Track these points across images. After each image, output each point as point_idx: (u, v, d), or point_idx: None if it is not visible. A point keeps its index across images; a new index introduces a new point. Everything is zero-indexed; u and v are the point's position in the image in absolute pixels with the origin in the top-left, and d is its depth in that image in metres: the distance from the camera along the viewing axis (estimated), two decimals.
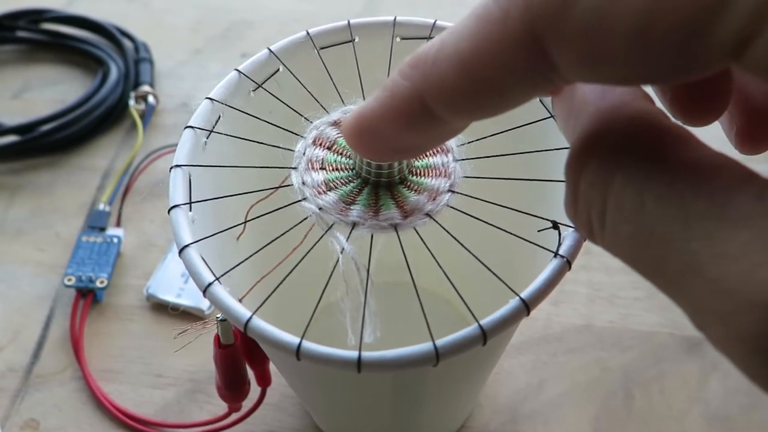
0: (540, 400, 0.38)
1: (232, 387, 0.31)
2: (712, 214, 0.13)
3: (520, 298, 0.20)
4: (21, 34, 0.56)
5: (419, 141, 0.18)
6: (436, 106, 0.16)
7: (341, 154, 0.24)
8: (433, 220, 0.23)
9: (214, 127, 0.28)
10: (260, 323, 0.21)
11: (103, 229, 0.44)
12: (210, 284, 0.22)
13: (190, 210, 0.25)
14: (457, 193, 0.23)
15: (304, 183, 0.24)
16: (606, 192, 0.15)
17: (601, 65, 0.14)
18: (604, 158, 0.15)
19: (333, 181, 0.24)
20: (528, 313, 0.20)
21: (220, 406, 0.35)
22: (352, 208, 0.23)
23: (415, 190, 0.23)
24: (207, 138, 0.27)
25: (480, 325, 0.20)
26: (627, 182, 0.14)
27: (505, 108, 0.16)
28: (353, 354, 0.20)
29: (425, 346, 0.20)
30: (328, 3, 0.59)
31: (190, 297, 0.41)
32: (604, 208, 0.15)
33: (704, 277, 0.13)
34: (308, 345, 0.20)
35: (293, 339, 0.20)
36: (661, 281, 0.14)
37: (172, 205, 0.25)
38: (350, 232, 0.22)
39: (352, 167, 0.24)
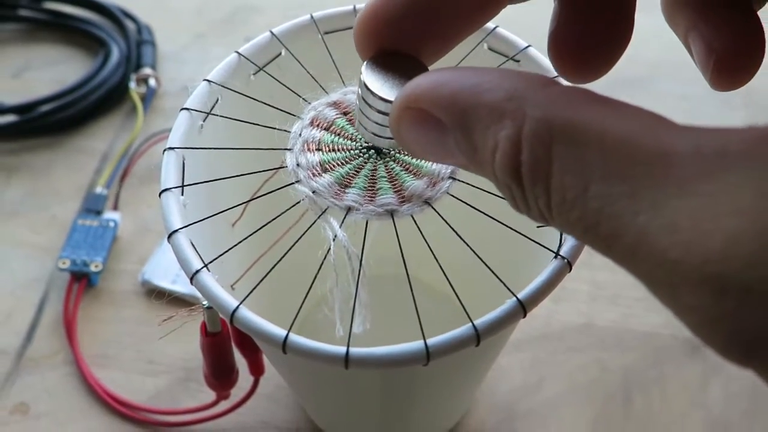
0: (538, 399, 0.37)
1: (219, 375, 0.31)
2: (657, 184, 0.13)
3: (517, 299, 0.19)
4: (22, 12, 0.55)
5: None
6: None
7: (339, 134, 0.24)
8: (432, 207, 0.22)
9: (211, 110, 0.27)
10: (247, 314, 0.20)
11: (99, 213, 0.43)
12: (197, 271, 0.22)
13: (182, 194, 0.24)
14: (459, 180, 0.22)
15: (298, 164, 0.23)
16: (547, 184, 0.14)
17: None
18: (535, 151, 0.14)
19: (329, 162, 0.23)
20: (524, 315, 0.19)
21: (213, 396, 0.35)
22: (347, 191, 0.22)
23: (414, 174, 0.22)
24: (203, 121, 0.27)
25: (474, 325, 0.19)
26: (565, 171, 0.14)
27: None
28: (341, 349, 0.19)
29: (416, 344, 0.19)
30: None
31: (185, 284, 0.40)
32: (548, 200, 0.14)
33: (654, 249, 0.12)
34: (295, 338, 0.20)
35: (280, 331, 0.20)
36: (615, 256, 0.14)
37: (163, 188, 0.24)
38: (344, 218, 0.22)
39: (349, 147, 0.23)
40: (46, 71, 0.53)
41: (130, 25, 0.54)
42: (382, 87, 0.19)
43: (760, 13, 0.20)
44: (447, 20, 0.19)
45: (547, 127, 0.14)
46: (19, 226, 0.44)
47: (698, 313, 0.12)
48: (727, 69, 0.19)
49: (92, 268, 0.40)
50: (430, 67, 0.20)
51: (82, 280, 0.41)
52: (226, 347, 0.30)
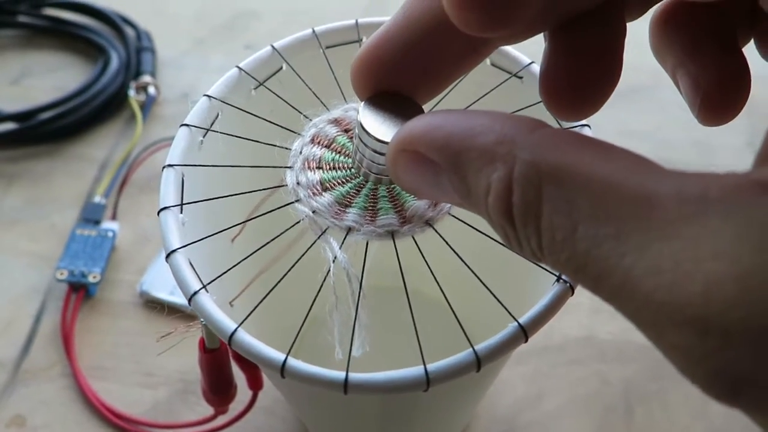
0: (539, 411, 0.37)
1: (217, 391, 0.30)
2: (641, 227, 0.13)
3: (518, 323, 0.19)
4: (22, 18, 0.55)
5: (445, 52, 0.18)
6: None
7: (340, 152, 0.23)
8: (433, 229, 0.22)
9: (211, 126, 0.27)
10: (245, 337, 0.20)
11: (98, 222, 0.43)
12: (195, 293, 0.21)
13: (181, 212, 0.24)
14: None
15: (298, 183, 0.23)
16: (537, 225, 0.15)
17: None
18: (526, 193, 0.15)
19: (329, 181, 0.23)
20: (526, 340, 0.19)
21: (211, 409, 0.34)
22: (348, 211, 0.22)
23: None
24: (203, 137, 0.26)
25: (474, 351, 0.19)
26: (554, 213, 0.14)
27: None
28: (340, 375, 0.19)
29: (416, 370, 0.19)
30: None
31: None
32: (540, 241, 0.15)
33: (639, 290, 0.13)
34: (294, 363, 0.19)
35: (278, 356, 0.20)
36: (603, 296, 0.14)
37: (161, 206, 0.24)
38: (344, 239, 0.22)
39: (350, 166, 0.23)
40: (45, 78, 0.53)
41: (130, 32, 0.53)
42: (379, 127, 0.19)
43: (744, 49, 0.20)
44: (440, 63, 0.19)
45: (536, 170, 0.15)
46: (18, 234, 0.44)
47: (682, 353, 0.13)
48: (714, 106, 0.19)
49: (90, 279, 0.40)
50: (426, 106, 0.20)
51: (80, 290, 0.40)
52: (225, 363, 0.30)
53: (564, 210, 0.14)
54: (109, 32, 0.54)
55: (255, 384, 0.33)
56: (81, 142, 0.49)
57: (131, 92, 0.49)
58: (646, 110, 0.50)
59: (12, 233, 0.44)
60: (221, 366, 0.30)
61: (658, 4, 0.20)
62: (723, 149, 0.48)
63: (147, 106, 0.49)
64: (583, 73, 0.19)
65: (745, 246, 0.12)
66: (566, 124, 0.25)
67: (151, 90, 0.50)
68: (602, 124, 0.49)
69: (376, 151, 0.20)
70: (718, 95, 0.19)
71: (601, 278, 0.14)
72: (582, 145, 0.15)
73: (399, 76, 0.19)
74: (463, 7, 0.16)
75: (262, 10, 0.57)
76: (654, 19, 0.20)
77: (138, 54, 0.52)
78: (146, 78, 0.50)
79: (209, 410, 0.35)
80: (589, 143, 0.15)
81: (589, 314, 0.40)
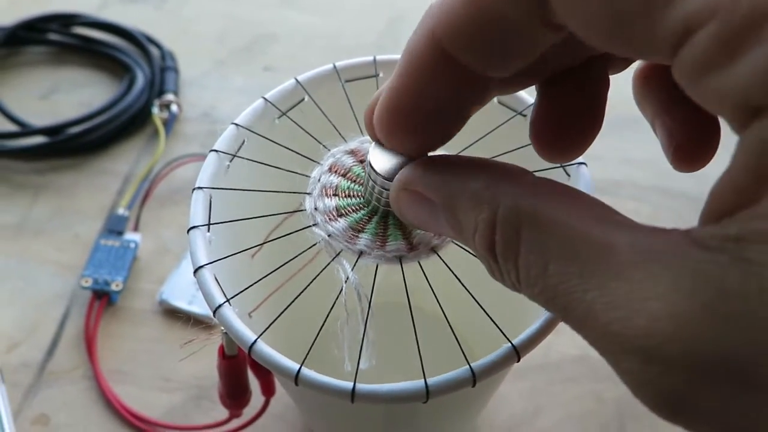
0: (535, 427, 0.39)
1: (234, 395, 0.32)
2: (601, 268, 0.15)
3: (512, 344, 0.21)
4: (52, 36, 0.58)
5: (448, 98, 0.19)
6: (449, 44, 0.17)
7: (355, 181, 0.26)
8: (438, 256, 0.24)
9: (237, 152, 0.29)
10: (263, 348, 0.22)
11: (121, 233, 0.45)
12: (220, 306, 0.23)
13: (209, 231, 0.26)
14: None
15: (316, 208, 0.25)
16: (516, 262, 0.17)
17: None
18: (506, 233, 0.17)
19: (344, 207, 0.25)
20: (518, 360, 0.21)
21: (224, 413, 0.36)
22: (360, 236, 0.24)
23: None
24: (230, 162, 0.29)
25: (471, 368, 0.21)
26: (529, 252, 0.17)
27: (522, 50, 0.17)
28: (348, 385, 0.21)
29: (417, 383, 0.21)
30: (352, 20, 0.60)
31: (201, 304, 0.42)
32: (518, 275, 0.17)
33: (599, 322, 0.15)
34: (307, 372, 0.21)
35: (293, 365, 0.22)
36: (570, 324, 0.16)
37: (191, 225, 0.26)
38: (356, 261, 0.24)
39: (364, 194, 0.25)
40: (73, 94, 0.55)
41: (154, 51, 0.56)
42: (385, 166, 0.22)
43: None
44: (447, 122, 0.20)
45: (516, 213, 0.17)
46: (44, 243, 0.46)
47: (633, 377, 0.15)
48: (684, 157, 0.21)
49: (113, 287, 0.42)
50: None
51: (103, 298, 0.43)
52: (242, 369, 0.32)
53: (538, 249, 0.17)
54: (135, 51, 0.57)
55: (268, 391, 0.35)
56: (106, 157, 0.51)
57: (155, 110, 0.52)
58: (647, 140, 0.52)
59: (38, 242, 0.47)
60: (238, 372, 0.32)
61: (638, 62, 0.22)
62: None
63: (169, 123, 0.51)
64: (568, 122, 0.21)
65: (680, 291, 0.14)
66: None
67: (174, 108, 0.52)
68: (605, 153, 0.51)
69: (383, 188, 0.22)
70: (688, 148, 0.21)
71: (568, 309, 0.16)
72: (557, 193, 0.17)
73: (408, 130, 0.21)
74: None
75: (281, 34, 0.59)
76: (635, 75, 0.23)
77: (162, 73, 0.54)
78: (169, 96, 0.53)
79: (222, 415, 0.37)
80: (564, 192, 0.18)
81: None
